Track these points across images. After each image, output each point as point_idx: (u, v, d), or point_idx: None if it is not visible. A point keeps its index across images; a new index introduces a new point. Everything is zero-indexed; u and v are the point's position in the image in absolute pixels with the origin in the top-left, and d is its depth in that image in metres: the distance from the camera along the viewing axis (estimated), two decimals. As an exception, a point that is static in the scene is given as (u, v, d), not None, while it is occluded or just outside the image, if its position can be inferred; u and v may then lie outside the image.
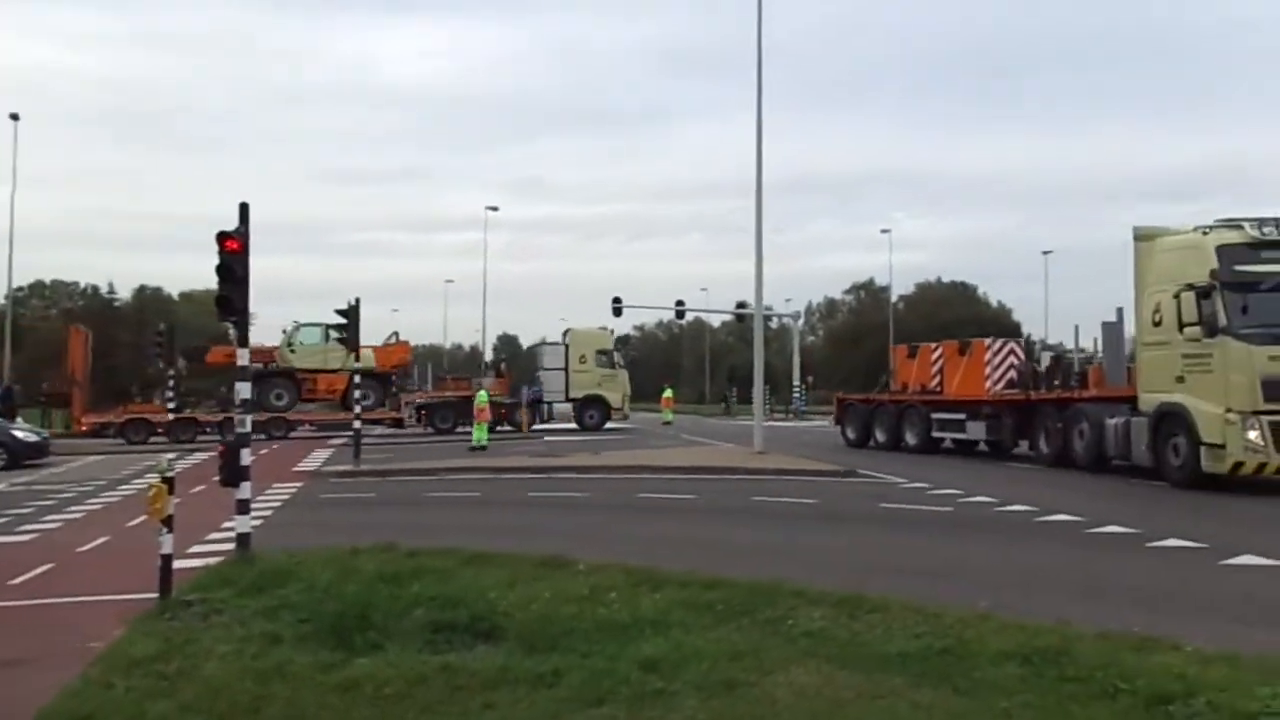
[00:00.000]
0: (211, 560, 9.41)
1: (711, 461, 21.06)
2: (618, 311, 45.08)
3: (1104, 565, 9.62)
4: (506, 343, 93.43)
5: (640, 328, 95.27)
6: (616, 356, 38.18)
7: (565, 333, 38.79)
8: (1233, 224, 15.40)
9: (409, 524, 12.33)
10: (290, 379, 34.13)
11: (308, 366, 34.33)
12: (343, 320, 24.60)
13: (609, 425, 36.27)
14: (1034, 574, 9.20)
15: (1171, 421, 15.75)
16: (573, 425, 36.32)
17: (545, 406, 36.80)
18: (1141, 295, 16.81)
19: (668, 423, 41.08)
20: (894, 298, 69.44)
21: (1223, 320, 14.83)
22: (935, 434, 22.87)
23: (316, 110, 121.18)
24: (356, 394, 26.34)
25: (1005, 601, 7.25)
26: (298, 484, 18.61)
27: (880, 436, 24.74)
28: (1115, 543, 10.90)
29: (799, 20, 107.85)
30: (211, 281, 9.63)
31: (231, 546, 9.51)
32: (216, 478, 10.04)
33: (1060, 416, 19.10)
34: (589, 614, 6.64)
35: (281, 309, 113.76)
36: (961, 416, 21.98)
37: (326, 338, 33.44)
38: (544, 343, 40.78)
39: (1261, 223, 15.12)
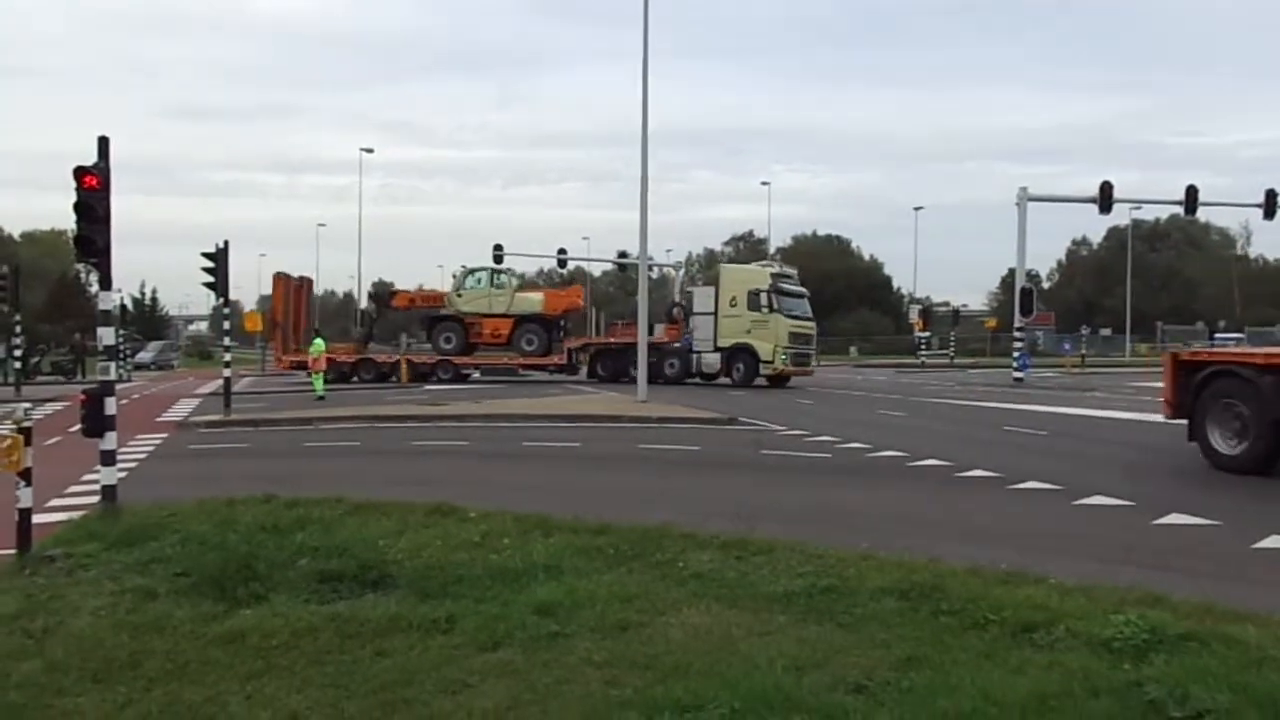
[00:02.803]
0: (74, 514, 8.93)
1: (595, 410, 21.16)
2: (498, 259, 44.33)
3: None
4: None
5: (521, 276, 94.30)
6: (771, 298, 31.36)
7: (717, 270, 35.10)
8: None
9: (286, 474, 11.93)
10: (458, 323, 34.38)
11: (474, 311, 34.41)
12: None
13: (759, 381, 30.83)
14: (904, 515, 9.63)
15: None
16: (725, 379, 31.43)
17: (695, 357, 32.04)
18: None
19: None
20: (772, 249, 70.81)
21: None
22: None
23: (165, 40, 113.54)
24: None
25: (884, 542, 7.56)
26: (163, 435, 17.80)
27: None
28: None
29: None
30: (57, 221, 9.07)
31: (95, 500, 9.04)
32: (74, 428, 9.50)
33: None
34: (481, 560, 6.62)
35: (133, 251, 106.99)
36: None
37: (492, 282, 35.21)
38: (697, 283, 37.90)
39: None
